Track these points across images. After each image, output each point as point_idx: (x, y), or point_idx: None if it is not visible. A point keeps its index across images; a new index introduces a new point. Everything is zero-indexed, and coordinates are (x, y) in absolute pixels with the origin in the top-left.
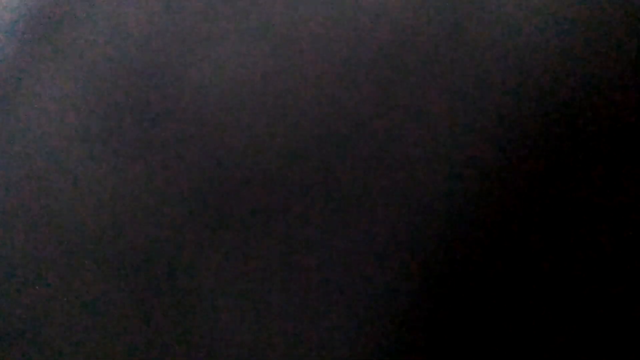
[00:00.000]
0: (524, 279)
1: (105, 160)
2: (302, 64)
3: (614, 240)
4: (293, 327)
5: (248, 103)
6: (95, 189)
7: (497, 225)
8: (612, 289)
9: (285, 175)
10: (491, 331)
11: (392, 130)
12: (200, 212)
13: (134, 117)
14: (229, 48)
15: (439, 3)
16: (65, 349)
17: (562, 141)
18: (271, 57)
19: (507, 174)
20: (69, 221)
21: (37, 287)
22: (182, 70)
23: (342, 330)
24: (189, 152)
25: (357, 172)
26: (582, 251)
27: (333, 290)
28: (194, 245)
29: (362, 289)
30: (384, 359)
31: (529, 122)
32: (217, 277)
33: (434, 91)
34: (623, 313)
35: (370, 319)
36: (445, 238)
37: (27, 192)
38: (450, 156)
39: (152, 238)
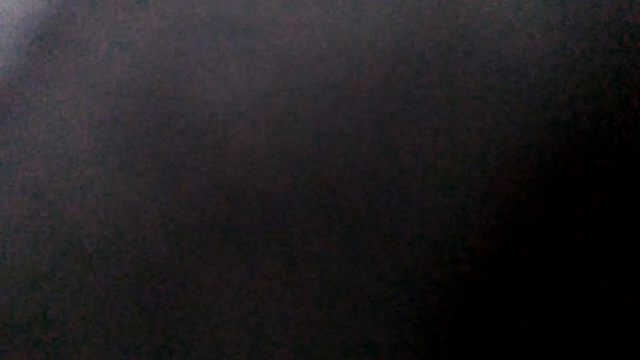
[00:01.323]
0: (525, 279)
1: (112, 172)
2: (304, 82)
3: (615, 240)
4: (294, 335)
5: (251, 119)
6: (101, 199)
7: (497, 229)
8: (612, 289)
9: (286, 188)
10: (492, 332)
11: (392, 143)
12: (205, 223)
13: (140, 131)
14: (233, 66)
15: (438, 16)
16: (68, 353)
17: (561, 148)
18: (274, 75)
19: (505, 184)
20: (76, 229)
21: (41, 293)
22: (188, 86)
23: (342, 336)
24: (194, 165)
25: (357, 184)
26: (582, 252)
27: (333, 298)
28: (198, 256)
29: (362, 296)
30: None
31: (527, 131)
32: (220, 286)
33: (432, 105)
34: (623, 313)
35: (370, 325)
36: (445, 248)
37: (35, 201)
38: (448, 167)
39: (156, 248)
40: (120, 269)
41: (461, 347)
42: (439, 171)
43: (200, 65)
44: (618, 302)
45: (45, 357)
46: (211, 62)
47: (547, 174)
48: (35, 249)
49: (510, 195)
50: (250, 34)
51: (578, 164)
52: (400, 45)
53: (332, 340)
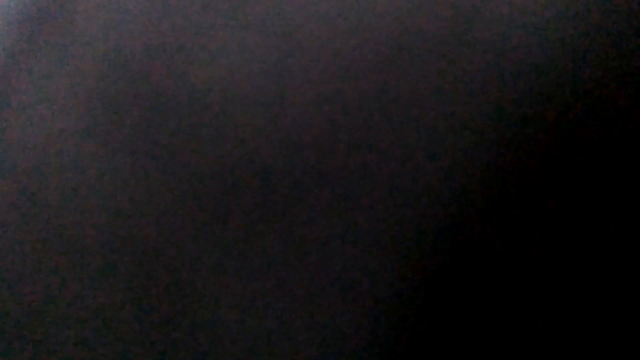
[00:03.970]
0: (524, 279)
1: (104, 157)
2: (302, 59)
3: (614, 240)
4: (294, 326)
5: (248, 99)
6: (94, 186)
7: (498, 225)
8: (612, 290)
9: (285, 172)
10: (491, 331)
11: (394, 126)
12: (201, 209)
13: (133, 113)
14: (229, 43)
15: (441, 0)
16: (65, 348)
17: (563, 140)
18: (271, 52)
19: (509, 172)
20: (68, 218)
21: (36, 285)
22: (182, 66)
23: (342, 329)
24: (189, 148)
25: (358, 168)
26: (582, 251)
27: (334, 288)
28: (194, 243)
29: (364, 288)
30: (384, 359)
31: (531, 120)
32: (217, 275)
33: (435, 87)
34: (623, 313)
35: (372, 318)
36: (447, 236)
37: (25, 189)
38: (452, 154)
39: (151, 236)
40: (114, 259)
41: (461, 347)
42: (443, 156)
43: (196, 43)
44: (618, 302)
45: (40, 353)
46: (206, 37)
47: (549, 165)
48: (21, 235)
49: (514, 186)
50: (247, 9)
51: (581, 158)
52: (405, 21)
53: (333, 333)
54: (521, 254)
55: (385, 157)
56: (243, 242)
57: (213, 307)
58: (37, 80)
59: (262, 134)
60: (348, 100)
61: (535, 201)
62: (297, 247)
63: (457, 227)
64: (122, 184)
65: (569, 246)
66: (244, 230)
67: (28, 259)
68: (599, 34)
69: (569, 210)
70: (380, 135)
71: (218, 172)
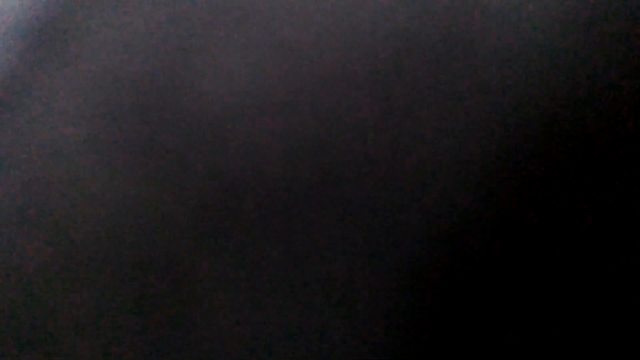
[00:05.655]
0: (524, 279)
1: (109, 165)
2: (304, 70)
3: (614, 240)
4: (293, 329)
5: (250, 109)
6: (99, 194)
7: (497, 227)
8: (612, 290)
9: (287, 179)
10: (491, 332)
11: (394, 134)
12: (203, 215)
13: (138, 123)
14: (231, 55)
15: (440, 7)
16: (66, 350)
17: (563, 143)
18: (272, 64)
19: (508, 176)
20: (72, 224)
21: (39, 289)
22: (186, 77)
23: (342, 330)
24: (192, 158)
25: (359, 175)
26: (582, 252)
27: (334, 292)
28: (196, 249)
29: (363, 291)
30: (384, 359)
31: (530, 124)
32: (218, 279)
33: (434, 95)
34: (623, 314)
35: (371, 320)
36: (447, 240)
37: (31, 196)
38: (451, 159)
39: (154, 242)
40: (116, 265)
41: (461, 347)
42: (442, 163)
43: (198, 56)
44: (618, 302)
45: (42, 355)
46: (209, 51)
47: (549, 168)
48: (27, 244)
49: (513, 191)
50: (248, 23)
51: (581, 160)
52: (403, 33)
53: (333, 338)
54: (522, 261)
55: (386, 165)
56: (243, 248)
57: (212, 313)
58: (43, 93)
59: (263, 143)
60: (349, 109)
61: (535, 205)
62: (297, 254)
63: (457, 233)
64: (125, 193)
65: (569, 251)
66: (244, 237)
67: (33, 266)
68: (599, 36)
69: (569, 215)
70: (381, 143)
71: (220, 180)
